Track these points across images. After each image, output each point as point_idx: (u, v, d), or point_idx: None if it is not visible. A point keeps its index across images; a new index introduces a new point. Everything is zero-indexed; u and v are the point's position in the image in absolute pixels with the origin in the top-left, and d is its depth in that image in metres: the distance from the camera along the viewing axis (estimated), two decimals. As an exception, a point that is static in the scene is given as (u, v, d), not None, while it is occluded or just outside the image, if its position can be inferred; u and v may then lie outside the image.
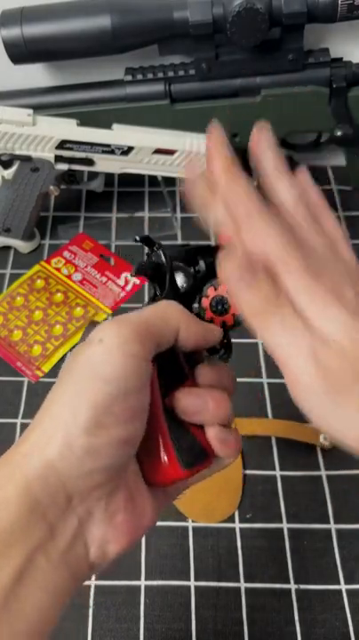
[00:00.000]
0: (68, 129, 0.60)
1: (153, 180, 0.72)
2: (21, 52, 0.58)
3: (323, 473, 0.52)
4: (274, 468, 0.53)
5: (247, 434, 0.54)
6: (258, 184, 0.30)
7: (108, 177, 0.67)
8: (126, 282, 0.65)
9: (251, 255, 0.28)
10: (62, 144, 0.61)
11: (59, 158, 0.62)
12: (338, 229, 0.31)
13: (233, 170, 0.30)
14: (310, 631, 0.45)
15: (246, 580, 0.47)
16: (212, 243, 0.39)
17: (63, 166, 0.63)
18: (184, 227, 0.70)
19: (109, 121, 0.61)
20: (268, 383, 0.57)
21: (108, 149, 0.61)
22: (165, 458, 0.30)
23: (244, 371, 0.58)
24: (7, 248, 0.69)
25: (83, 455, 0.26)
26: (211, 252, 0.35)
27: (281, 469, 0.53)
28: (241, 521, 0.50)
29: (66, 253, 0.68)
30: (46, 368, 0.59)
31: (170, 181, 0.72)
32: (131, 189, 0.74)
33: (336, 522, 0.50)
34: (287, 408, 0.55)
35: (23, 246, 0.68)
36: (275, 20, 0.56)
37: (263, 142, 0.31)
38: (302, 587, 0.47)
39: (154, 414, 0.30)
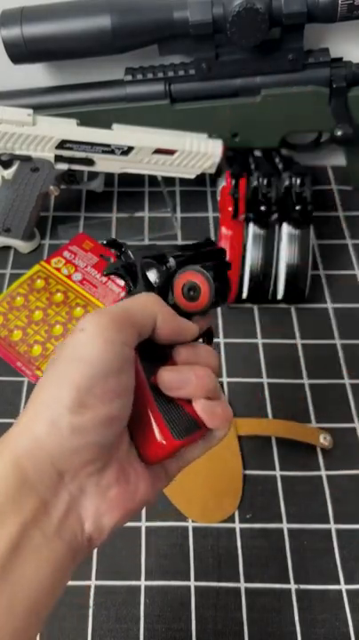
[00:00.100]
0: (68, 129, 0.60)
1: (153, 179, 0.72)
2: (21, 52, 0.58)
3: (323, 473, 0.52)
4: (274, 468, 0.53)
5: (247, 434, 0.54)
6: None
7: (108, 177, 0.67)
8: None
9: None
10: (62, 144, 0.61)
11: (59, 158, 0.62)
12: None
13: None
14: (310, 631, 0.45)
15: (246, 580, 0.47)
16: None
17: (63, 166, 0.63)
18: (184, 227, 0.70)
19: (109, 121, 0.61)
20: (268, 383, 0.57)
21: (108, 149, 0.61)
22: (157, 430, 0.32)
23: (244, 371, 0.58)
24: (7, 248, 0.69)
25: (69, 434, 0.28)
26: (179, 249, 0.37)
27: (281, 469, 0.53)
28: (241, 521, 0.50)
29: (66, 253, 0.68)
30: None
31: (170, 181, 0.72)
32: (131, 189, 0.74)
33: (336, 522, 0.50)
34: (287, 408, 0.56)
35: (23, 246, 0.68)
36: (274, 20, 0.56)
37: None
38: (302, 587, 0.47)
39: (142, 395, 0.32)
